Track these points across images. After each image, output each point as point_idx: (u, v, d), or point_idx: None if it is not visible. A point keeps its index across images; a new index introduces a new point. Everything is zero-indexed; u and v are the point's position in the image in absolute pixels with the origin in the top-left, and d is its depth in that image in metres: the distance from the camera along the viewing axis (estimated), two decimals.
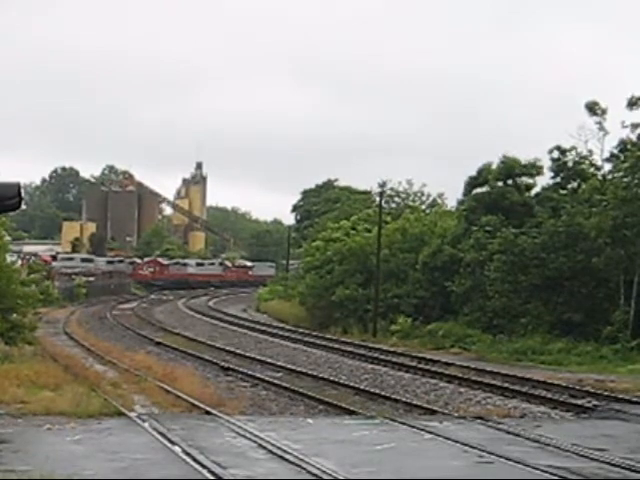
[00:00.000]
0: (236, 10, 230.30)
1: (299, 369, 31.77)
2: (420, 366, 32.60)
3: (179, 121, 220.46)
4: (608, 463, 14.81)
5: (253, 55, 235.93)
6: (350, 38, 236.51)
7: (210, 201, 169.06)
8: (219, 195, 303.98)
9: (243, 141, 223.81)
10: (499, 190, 46.98)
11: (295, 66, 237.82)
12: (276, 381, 28.08)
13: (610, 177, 42.48)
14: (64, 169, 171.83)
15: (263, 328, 52.19)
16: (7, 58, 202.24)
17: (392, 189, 71.41)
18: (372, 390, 26.26)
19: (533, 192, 48.01)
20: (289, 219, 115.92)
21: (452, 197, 65.95)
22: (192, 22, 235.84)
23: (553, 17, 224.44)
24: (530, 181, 47.96)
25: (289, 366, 32.70)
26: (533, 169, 47.52)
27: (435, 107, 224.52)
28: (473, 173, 49.27)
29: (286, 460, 14.39)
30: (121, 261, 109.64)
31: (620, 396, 24.23)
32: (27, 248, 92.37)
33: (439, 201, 71.08)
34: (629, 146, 40.62)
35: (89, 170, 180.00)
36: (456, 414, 21.23)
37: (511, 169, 47.47)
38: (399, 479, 13.64)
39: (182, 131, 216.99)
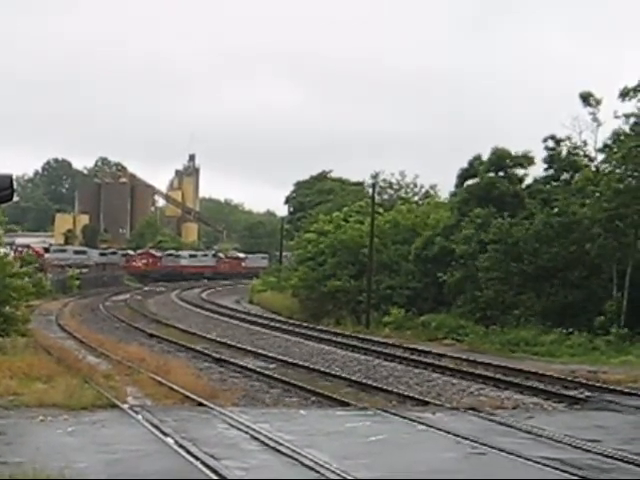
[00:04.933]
0: (235, 9, 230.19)
1: (292, 360, 31.78)
2: (413, 357, 32.63)
3: (173, 115, 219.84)
4: (601, 454, 14.82)
5: (250, 52, 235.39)
6: (349, 37, 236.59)
7: (203, 193, 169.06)
8: (212, 187, 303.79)
9: (237, 133, 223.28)
10: (490, 181, 46.92)
11: (292, 63, 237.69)
12: (269, 372, 28.10)
13: (603, 168, 42.46)
14: (57, 161, 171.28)
15: (256, 320, 52.16)
16: (6, 56, 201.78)
17: (385, 180, 71.50)
18: (365, 381, 26.28)
19: (525, 184, 47.97)
20: (282, 211, 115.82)
21: (445, 189, 65.94)
22: (190, 21, 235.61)
23: (552, 17, 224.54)
24: (522, 172, 47.93)
25: (282, 357, 32.71)
26: (524, 160, 47.42)
27: (434, 105, 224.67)
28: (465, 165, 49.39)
29: (279, 452, 14.39)
30: (114, 253, 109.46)
31: (613, 387, 24.28)
32: (20, 240, 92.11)
33: (432, 192, 71.12)
34: (622, 137, 40.56)
35: (82, 162, 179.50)
36: (449, 405, 21.25)
37: (502, 160, 47.40)
38: (392, 471, 13.63)
39: (175, 124, 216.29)
